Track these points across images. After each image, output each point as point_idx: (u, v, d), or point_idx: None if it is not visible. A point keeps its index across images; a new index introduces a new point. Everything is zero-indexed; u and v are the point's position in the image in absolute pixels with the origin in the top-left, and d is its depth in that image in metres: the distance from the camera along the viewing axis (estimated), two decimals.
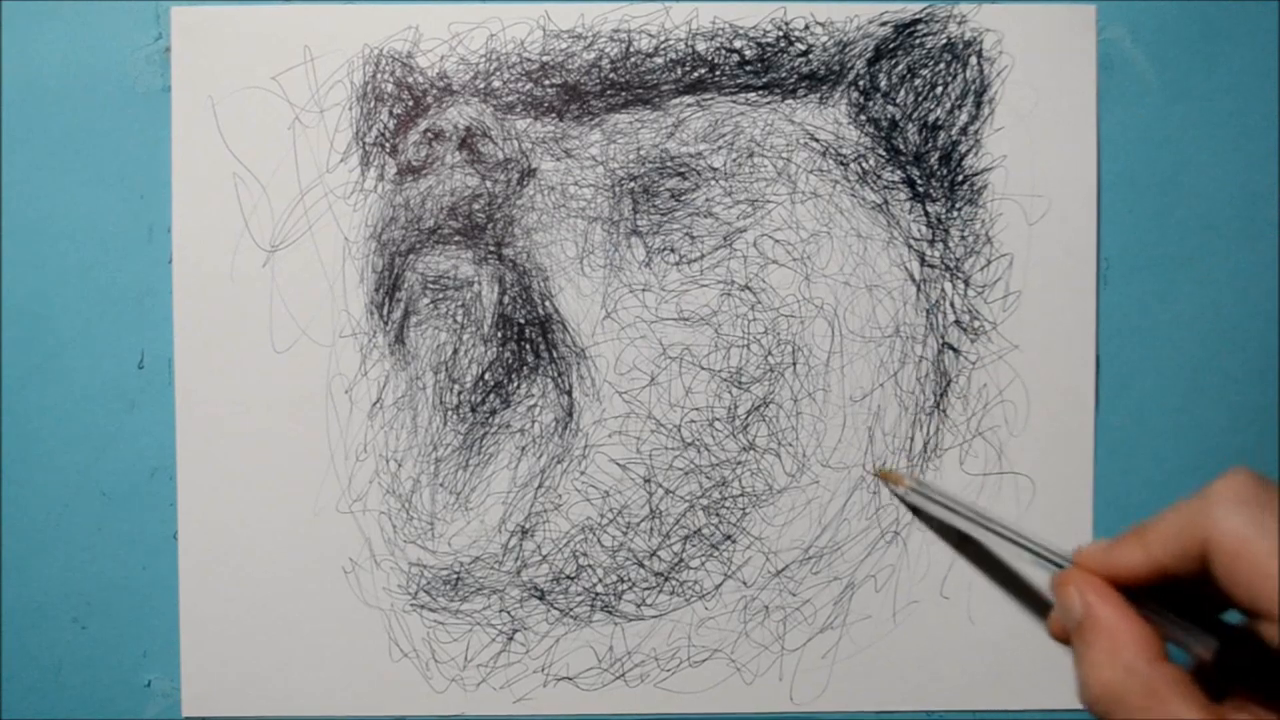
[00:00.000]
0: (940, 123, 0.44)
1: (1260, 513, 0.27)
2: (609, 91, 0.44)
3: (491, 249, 0.44)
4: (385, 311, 0.44)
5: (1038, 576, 0.43)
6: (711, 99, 0.44)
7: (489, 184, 0.44)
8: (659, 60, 0.44)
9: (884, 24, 0.44)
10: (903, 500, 0.44)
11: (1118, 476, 0.45)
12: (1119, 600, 0.31)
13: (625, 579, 0.45)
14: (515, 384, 0.44)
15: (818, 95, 0.44)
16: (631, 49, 0.44)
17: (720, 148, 0.44)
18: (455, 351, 0.44)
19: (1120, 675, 0.29)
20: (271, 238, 0.44)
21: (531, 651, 0.45)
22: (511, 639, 0.45)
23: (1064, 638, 0.32)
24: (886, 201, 0.45)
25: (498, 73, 0.44)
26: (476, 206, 0.44)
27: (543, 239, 0.44)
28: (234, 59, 0.44)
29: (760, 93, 0.44)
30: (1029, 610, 0.44)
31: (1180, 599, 0.29)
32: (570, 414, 0.44)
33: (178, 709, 0.45)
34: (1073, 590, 0.31)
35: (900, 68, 0.44)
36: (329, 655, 0.44)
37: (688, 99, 0.44)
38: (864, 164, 0.44)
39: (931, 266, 0.45)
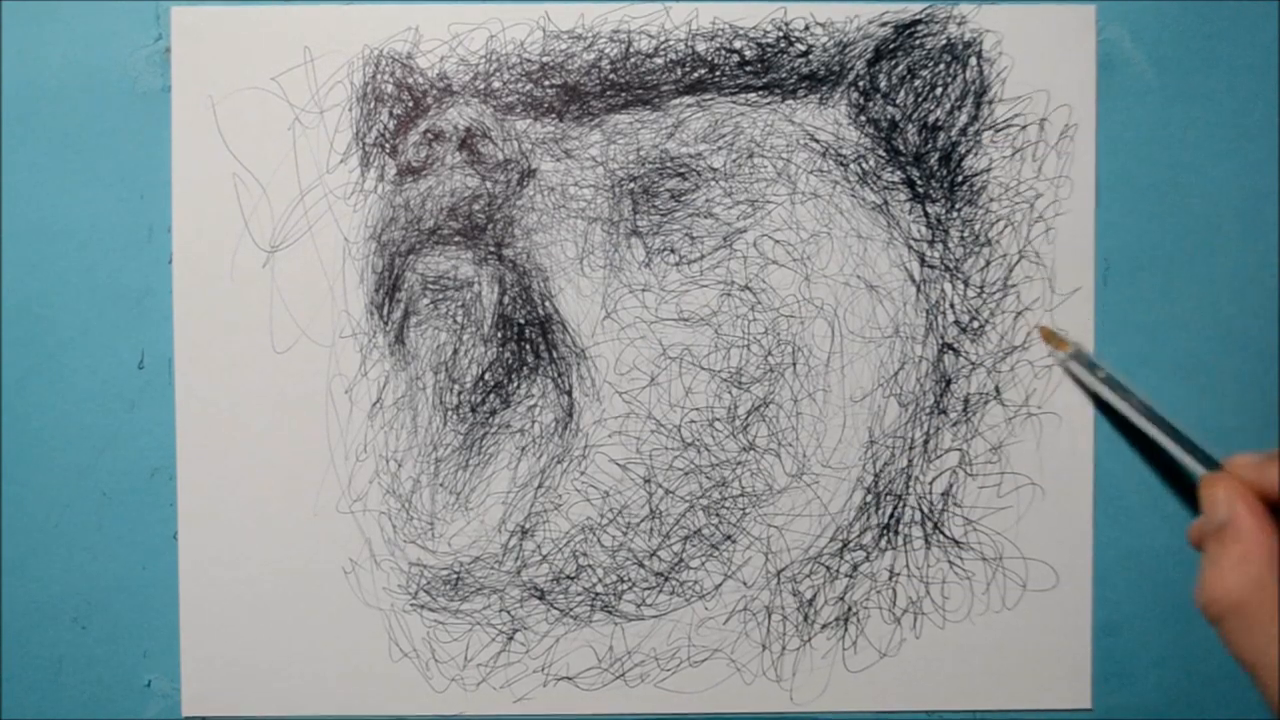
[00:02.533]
0: (940, 123, 0.44)
1: None
2: (609, 92, 0.44)
3: (491, 249, 0.44)
4: (385, 312, 0.44)
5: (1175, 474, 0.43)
6: (711, 99, 0.44)
7: (489, 184, 0.44)
8: (659, 61, 0.44)
9: (884, 25, 0.44)
10: (1061, 365, 0.44)
11: (1118, 476, 0.45)
12: (1264, 513, 0.30)
13: (625, 579, 0.45)
14: (515, 384, 0.44)
15: (818, 96, 0.44)
16: (631, 49, 0.44)
17: (720, 148, 0.44)
18: (455, 352, 0.44)
19: (1246, 584, 0.29)
20: (271, 238, 0.44)
21: (531, 651, 0.45)
22: (511, 639, 0.45)
23: (1199, 543, 0.31)
24: (886, 202, 0.45)
25: (498, 73, 0.44)
26: (476, 207, 0.44)
27: (543, 239, 0.44)
28: (234, 59, 0.44)
29: (760, 93, 0.44)
30: (1175, 506, 0.44)
31: None
32: (570, 414, 0.44)
33: (178, 709, 0.45)
34: (1221, 493, 0.31)
35: (900, 68, 0.44)
36: (329, 655, 0.44)
37: (688, 99, 0.44)
38: (864, 164, 0.44)
39: (931, 267, 0.45)
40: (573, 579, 0.45)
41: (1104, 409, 0.44)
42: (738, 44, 0.44)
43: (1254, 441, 0.45)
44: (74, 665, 0.45)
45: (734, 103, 0.44)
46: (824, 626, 0.45)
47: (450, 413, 0.44)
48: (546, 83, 0.44)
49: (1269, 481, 0.31)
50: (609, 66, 0.44)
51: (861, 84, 0.44)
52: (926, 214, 0.45)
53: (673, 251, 0.44)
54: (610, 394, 0.44)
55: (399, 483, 0.44)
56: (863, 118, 0.44)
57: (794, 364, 0.44)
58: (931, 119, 0.44)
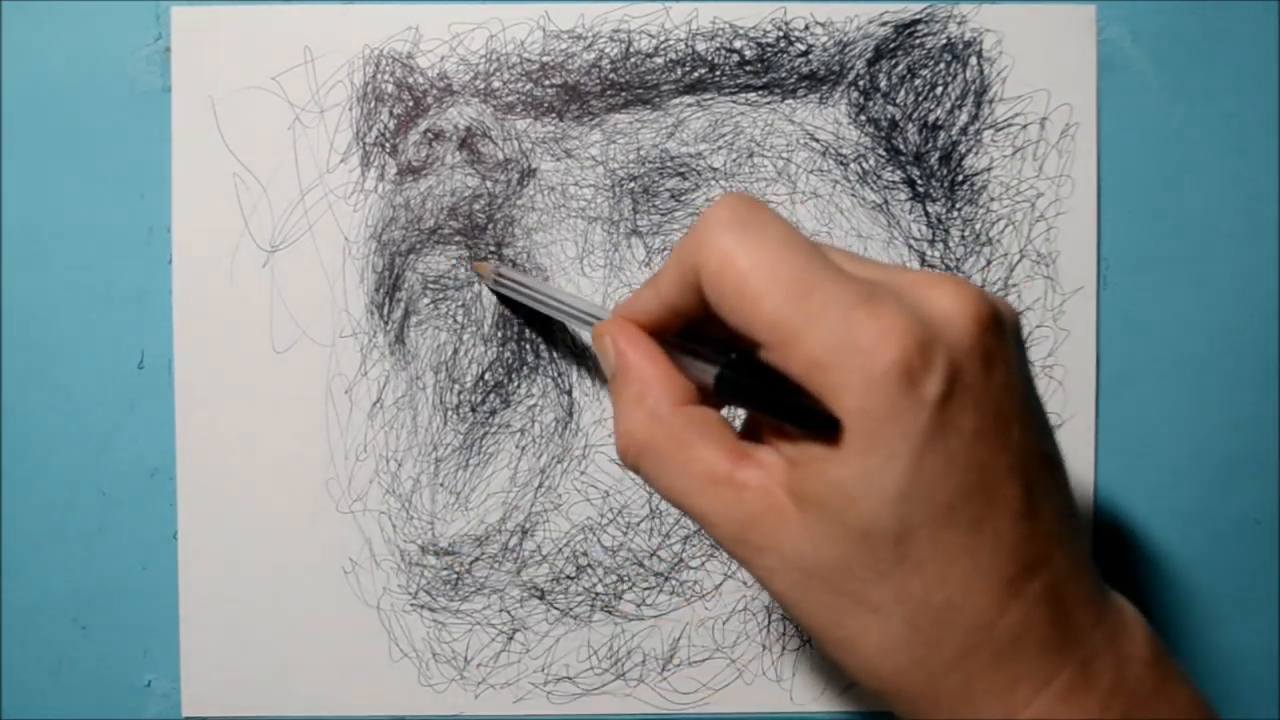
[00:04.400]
0: (940, 123, 0.44)
1: (746, 232, 0.26)
2: (609, 92, 0.44)
3: (492, 249, 0.44)
4: (385, 311, 0.44)
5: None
6: (711, 99, 0.44)
7: (489, 184, 0.44)
8: (659, 60, 0.44)
9: (884, 24, 0.44)
10: (493, 292, 0.43)
11: (1118, 476, 0.45)
12: (651, 347, 0.29)
13: (625, 579, 0.45)
14: (515, 384, 0.44)
15: (818, 95, 0.44)
16: (631, 49, 0.44)
17: (720, 148, 0.44)
18: (455, 351, 0.44)
19: (644, 421, 0.28)
20: (271, 238, 0.44)
21: (531, 651, 0.45)
22: (511, 639, 0.45)
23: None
24: (886, 201, 0.45)
25: (498, 73, 0.44)
26: (477, 207, 0.44)
27: (543, 239, 0.44)
28: (234, 59, 0.44)
29: (760, 93, 0.44)
30: None
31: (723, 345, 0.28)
32: (570, 414, 0.44)
33: (178, 709, 0.45)
34: (607, 341, 0.30)
35: (900, 68, 0.44)
36: (329, 655, 0.44)
37: (688, 99, 0.44)
38: (864, 164, 0.44)
39: (932, 267, 0.45)
40: (573, 579, 0.45)
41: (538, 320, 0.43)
42: (738, 44, 0.44)
43: (1254, 441, 0.45)
44: (74, 665, 0.45)
45: (734, 102, 0.44)
46: None
47: (450, 413, 0.44)
48: (546, 82, 0.44)
49: (638, 311, 0.29)
50: (609, 66, 0.44)
51: (861, 83, 0.44)
52: (927, 213, 0.45)
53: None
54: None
55: (399, 483, 0.44)
56: (863, 117, 0.44)
57: None
58: (932, 118, 0.44)
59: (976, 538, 0.24)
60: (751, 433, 0.29)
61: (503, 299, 0.44)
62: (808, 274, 0.25)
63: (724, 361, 0.27)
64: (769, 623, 0.45)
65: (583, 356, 0.44)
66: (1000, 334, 0.25)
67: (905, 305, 0.24)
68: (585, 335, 0.43)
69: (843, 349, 0.24)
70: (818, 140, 0.44)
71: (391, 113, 0.44)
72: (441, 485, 0.44)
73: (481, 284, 0.44)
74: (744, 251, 0.25)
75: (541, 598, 0.45)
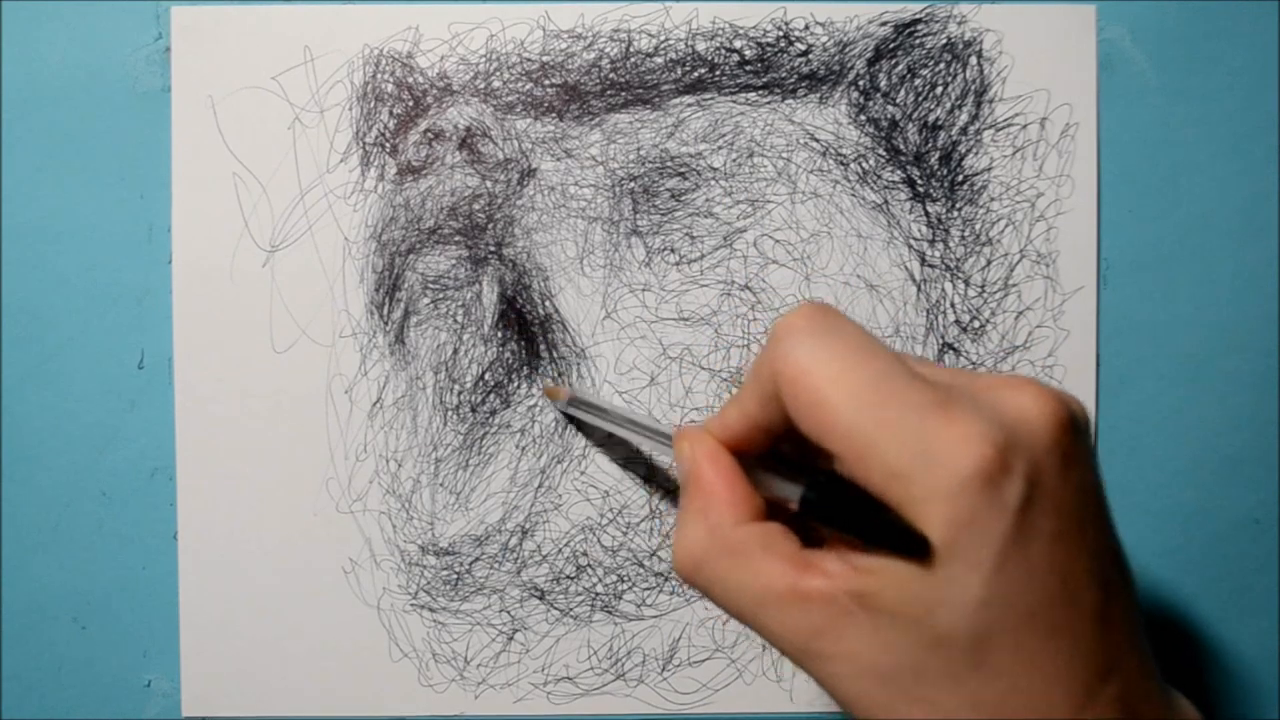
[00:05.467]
0: (940, 123, 0.44)
1: (822, 340, 0.25)
2: (609, 91, 0.44)
3: (492, 249, 0.44)
4: (385, 311, 0.44)
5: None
6: (711, 99, 0.44)
7: (489, 184, 0.44)
8: (659, 60, 0.44)
9: (884, 24, 0.44)
10: (564, 414, 0.44)
11: (1118, 476, 0.45)
12: (727, 462, 0.29)
13: (625, 579, 0.45)
14: (515, 384, 0.44)
15: (818, 95, 0.44)
16: (631, 49, 0.44)
17: (720, 148, 0.44)
18: (455, 351, 0.44)
19: (704, 535, 0.27)
20: (271, 238, 0.44)
21: (531, 651, 0.45)
22: (511, 639, 0.45)
23: None
24: (887, 201, 0.45)
25: (498, 73, 0.44)
26: (477, 206, 0.44)
27: (543, 239, 0.44)
28: (234, 59, 0.44)
29: (760, 93, 0.44)
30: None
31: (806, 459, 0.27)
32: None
33: (178, 709, 0.45)
34: (684, 447, 0.30)
35: (900, 68, 0.44)
36: (329, 655, 0.44)
37: (688, 99, 0.44)
38: (864, 164, 0.44)
39: (932, 266, 0.45)
40: (573, 579, 0.45)
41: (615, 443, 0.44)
42: (738, 43, 0.44)
43: (1254, 441, 0.45)
44: (74, 665, 0.45)
45: (734, 102, 0.44)
46: None
47: (450, 413, 0.44)
48: (546, 82, 0.44)
49: (724, 427, 0.29)
50: (609, 66, 0.44)
51: (861, 83, 0.44)
52: (927, 213, 0.45)
53: (673, 251, 0.44)
54: (610, 394, 0.44)
55: (399, 483, 0.44)
56: (863, 117, 0.44)
57: None
58: (932, 118, 0.44)
59: (1055, 642, 0.23)
60: (813, 538, 0.28)
61: (570, 419, 0.44)
62: (882, 381, 0.24)
63: (808, 482, 0.26)
64: None
65: (583, 356, 0.44)
66: (1077, 435, 0.25)
67: (982, 409, 0.24)
68: (661, 456, 0.43)
69: (921, 458, 0.23)
70: (818, 140, 0.44)
71: (391, 113, 0.44)
72: (441, 485, 0.44)
73: (552, 406, 0.44)
74: (820, 360, 0.25)
75: (541, 598, 0.45)
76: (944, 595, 0.23)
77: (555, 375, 0.44)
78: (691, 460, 0.29)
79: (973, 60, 0.44)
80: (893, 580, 0.24)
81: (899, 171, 0.44)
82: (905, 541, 0.23)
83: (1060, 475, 0.24)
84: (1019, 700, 0.23)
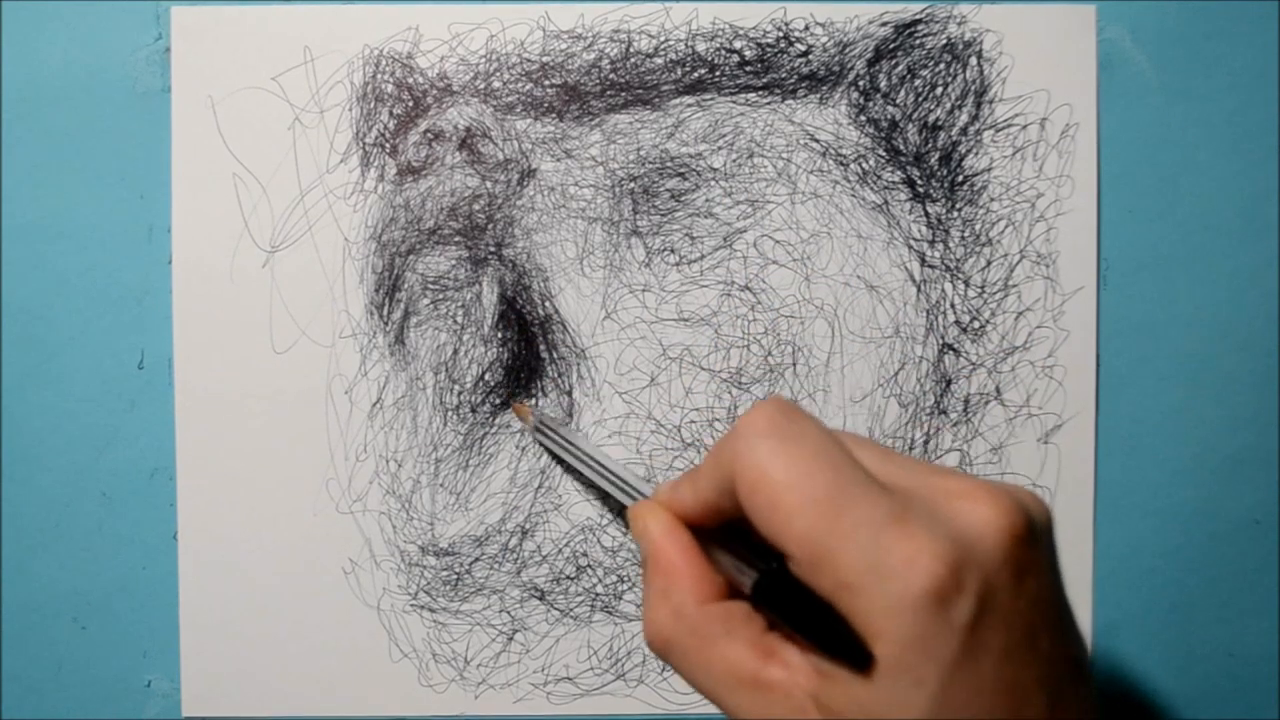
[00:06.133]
0: (940, 123, 0.44)
1: (782, 444, 0.25)
2: (609, 92, 0.44)
3: (492, 249, 0.44)
4: (385, 312, 0.44)
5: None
6: (711, 99, 0.44)
7: (489, 184, 0.44)
8: (659, 61, 0.44)
9: (884, 24, 0.44)
10: (533, 435, 0.43)
11: (1118, 476, 0.45)
12: (684, 539, 0.29)
13: (625, 579, 0.45)
14: (515, 385, 0.44)
15: (818, 96, 0.44)
16: (631, 49, 0.44)
17: (720, 148, 0.44)
18: (455, 352, 0.44)
19: (669, 617, 0.28)
20: (271, 238, 0.44)
21: (531, 651, 0.45)
22: (511, 639, 0.45)
23: None
24: (886, 202, 0.45)
25: (498, 73, 0.44)
26: (476, 207, 0.44)
27: (543, 239, 0.44)
28: (234, 59, 0.44)
29: (760, 93, 0.44)
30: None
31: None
32: (570, 414, 0.44)
33: (178, 709, 0.45)
34: (639, 524, 0.30)
35: (900, 68, 0.44)
36: (329, 655, 0.44)
37: (688, 99, 0.44)
38: (864, 164, 0.44)
39: (932, 267, 0.45)
40: (573, 579, 0.45)
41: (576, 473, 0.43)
42: (738, 44, 0.44)
43: (1254, 442, 0.45)
44: (74, 665, 0.45)
45: (734, 103, 0.44)
46: None
47: (450, 413, 0.44)
48: (546, 83, 0.44)
49: (676, 502, 0.29)
50: (609, 66, 0.44)
51: (861, 84, 0.44)
52: (927, 214, 0.45)
53: (673, 251, 0.44)
54: (610, 394, 0.44)
55: (399, 483, 0.44)
56: (863, 117, 0.44)
57: (794, 364, 0.44)
58: (932, 119, 0.44)
59: None
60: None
61: (541, 444, 0.44)
62: (839, 491, 0.24)
63: (762, 570, 0.26)
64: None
65: (583, 356, 0.44)
66: (1034, 544, 0.24)
67: (937, 522, 0.24)
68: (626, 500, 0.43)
69: (873, 572, 0.23)
70: (818, 140, 0.44)
71: (391, 113, 0.44)
72: (441, 486, 0.44)
73: (523, 427, 0.44)
74: (778, 465, 0.25)
75: (541, 598, 0.45)
76: (890, 709, 0.23)
77: (537, 399, 0.44)
78: (649, 538, 0.29)
79: (973, 61, 0.44)
80: (843, 687, 0.24)
81: (899, 172, 0.44)
82: (852, 651, 0.24)
83: (1013, 589, 0.24)
84: None
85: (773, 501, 0.25)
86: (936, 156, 0.44)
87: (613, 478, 0.37)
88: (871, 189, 0.44)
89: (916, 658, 0.23)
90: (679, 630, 0.27)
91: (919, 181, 0.44)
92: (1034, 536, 0.25)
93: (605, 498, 0.44)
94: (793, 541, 0.25)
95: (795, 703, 0.25)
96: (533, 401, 0.44)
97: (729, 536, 0.28)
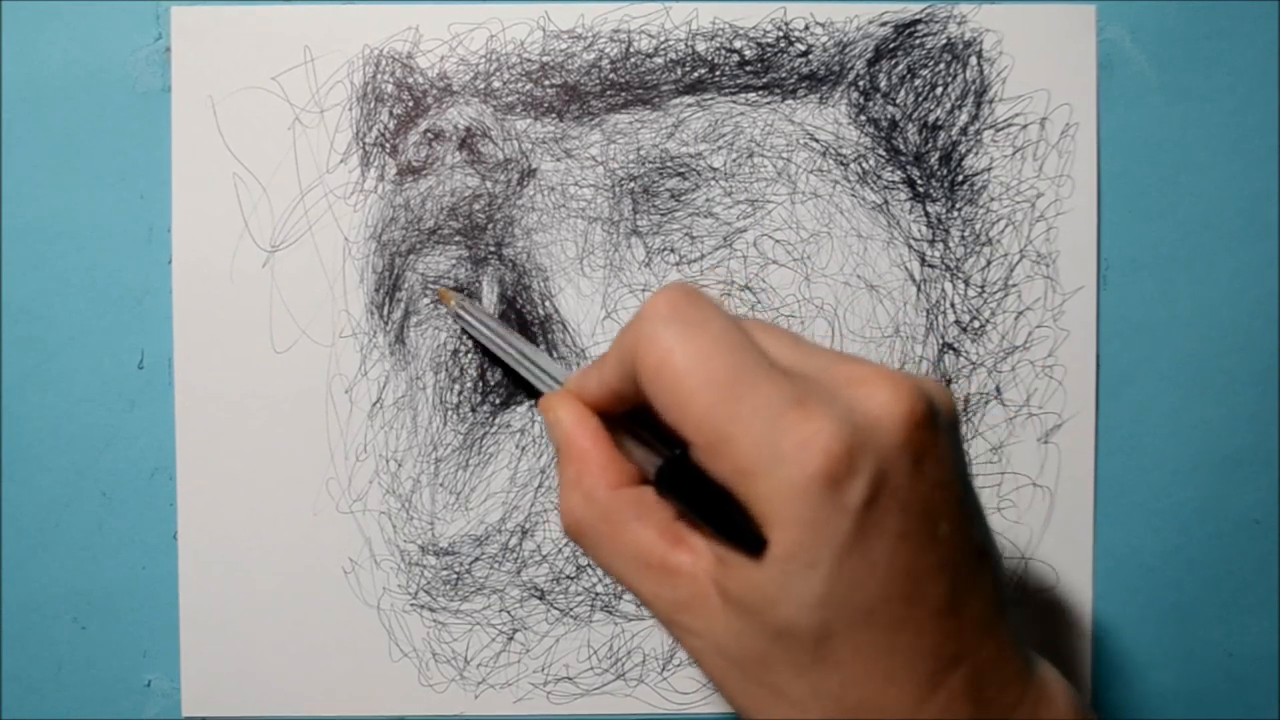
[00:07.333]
0: (940, 123, 0.44)
1: (684, 328, 0.25)
2: (609, 92, 0.44)
3: (492, 249, 0.44)
4: (385, 311, 0.44)
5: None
6: (711, 99, 0.44)
7: (489, 184, 0.44)
8: (659, 60, 0.44)
9: (884, 24, 0.44)
10: (456, 321, 0.43)
11: (1118, 476, 0.45)
12: (593, 426, 0.29)
13: None
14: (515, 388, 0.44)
15: (818, 95, 0.44)
16: (631, 49, 0.44)
17: (720, 148, 0.44)
18: (455, 351, 0.44)
19: (580, 503, 0.28)
20: (271, 238, 0.44)
21: (531, 651, 0.45)
22: (511, 639, 0.45)
23: None
24: (887, 201, 0.45)
25: (498, 73, 0.44)
26: (477, 207, 0.44)
27: (543, 239, 0.44)
28: (234, 59, 0.44)
29: (760, 93, 0.44)
30: None
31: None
32: None
33: (178, 709, 0.45)
34: (551, 414, 0.30)
35: (900, 68, 0.44)
36: (329, 655, 0.44)
37: (688, 99, 0.44)
38: (864, 164, 0.44)
39: (932, 267, 0.45)
40: (573, 579, 0.45)
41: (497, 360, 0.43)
42: (738, 44, 0.44)
43: (1254, 442, 0.45)
44: (74, 665, 0.45)
45: (734, 102, 0.44)
46: None
47: (450, 412, 0.44)
48: (546, 82, 0.44)
49: (584, 390, 0.30)
50: (609, 66, 0.44)
51: (861, 84, 0.44)
52: (927, 213, 0.45)
53: (673, 251, 0.44)
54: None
55: (399, 483, 0.44)
56: (863, 117, 0.44)
57: None
58: (932, 118, 0.44)
59: (896, 637, 0.24)
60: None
61: (466, 332, 0.44)
62: (739, 375, 0.24)
63: (666, 457, 0.27)
64: None
65: (583, 356, 0.44)
66: (933, 429, 0.24)
67: (835, 407, 0.24)
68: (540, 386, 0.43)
69: (769, 457, 0.23)
70: (818, 140, 0.44)
71: (391, 113, 0.44)
72: (441, 485, 0.44)
73: (448, 312, 0.44)
74: (679, 350, 0.25)
75: (541, 598, 0.45)
76: (784, 591, 0.24)
77: (466, 284, 0.43)
78: (561, 427, 0.30)
79: (973, 60, 0.44)
80: (740, 571, 0.24)
81: (899, 171, 0.44)
82: (746, 536, 0.24)
83: (910, 473, 0.24)
84: (859, 692, 0.24)
85: (673, 386, 0.25)
86: (936, 156, 0.44)
87: (531, 365, 0.37)
88: (871, 189, 0.45)
89: (809, 540, 0.23)
90: (590, 515, 0.28)
91: (919, 181, 0.45)
92: (934, 422, 0.24)
93: (526, 386, 0.44)
94: (692, 427, 0.25)
95: (699, 588, 0.25)
96: (464, 294, 0.44)
97: (641, 424, 0.29)
